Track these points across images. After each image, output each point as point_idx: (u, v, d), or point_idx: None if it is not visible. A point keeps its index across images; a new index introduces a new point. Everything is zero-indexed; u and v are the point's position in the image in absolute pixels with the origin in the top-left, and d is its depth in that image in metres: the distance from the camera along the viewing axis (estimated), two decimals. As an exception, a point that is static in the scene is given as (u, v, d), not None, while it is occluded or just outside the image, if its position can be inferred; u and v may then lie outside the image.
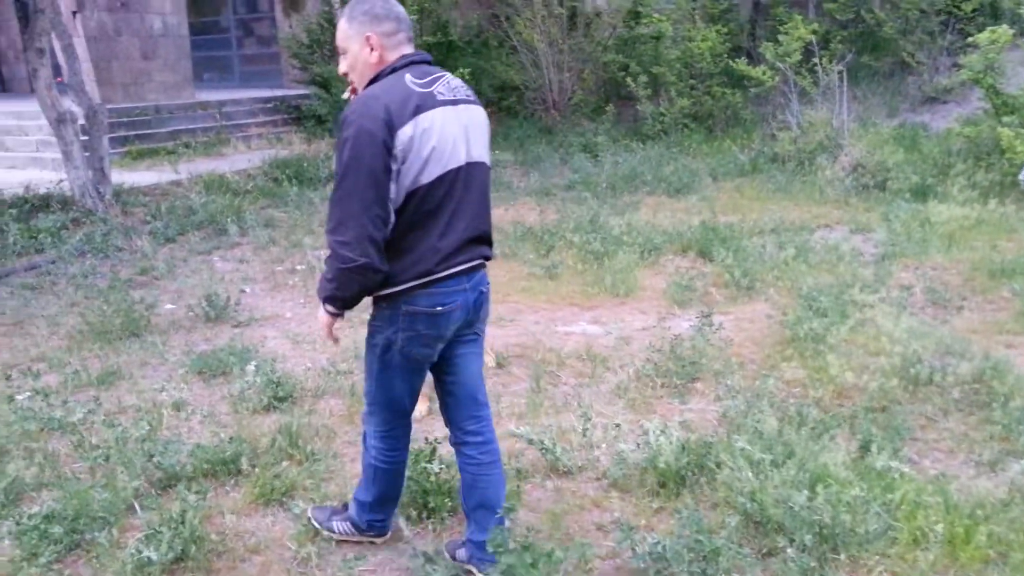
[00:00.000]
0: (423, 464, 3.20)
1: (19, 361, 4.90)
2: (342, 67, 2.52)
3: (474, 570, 2.80)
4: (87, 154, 8.09)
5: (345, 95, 2.63)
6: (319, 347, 5.09)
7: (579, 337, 5.11)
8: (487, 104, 14.35)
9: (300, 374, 4.58)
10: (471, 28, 14.68)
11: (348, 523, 3.02)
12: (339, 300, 2.47)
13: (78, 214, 7.87)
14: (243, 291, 6.28)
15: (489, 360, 4.69)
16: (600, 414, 4.01)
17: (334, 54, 13.56)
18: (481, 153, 2.53)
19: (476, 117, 2.53)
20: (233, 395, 4.27)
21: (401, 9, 2.49)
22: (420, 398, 4.08)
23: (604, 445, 3.69)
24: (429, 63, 2.51)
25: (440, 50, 14.22)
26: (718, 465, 3.28)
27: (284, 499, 3.27)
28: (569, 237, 7.01)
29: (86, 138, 8.29)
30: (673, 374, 4.36)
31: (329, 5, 14.03)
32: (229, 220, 7.96)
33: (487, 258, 2.65)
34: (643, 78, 12.75)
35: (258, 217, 8.24)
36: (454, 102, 2.43)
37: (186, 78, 14.40)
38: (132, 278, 6.59)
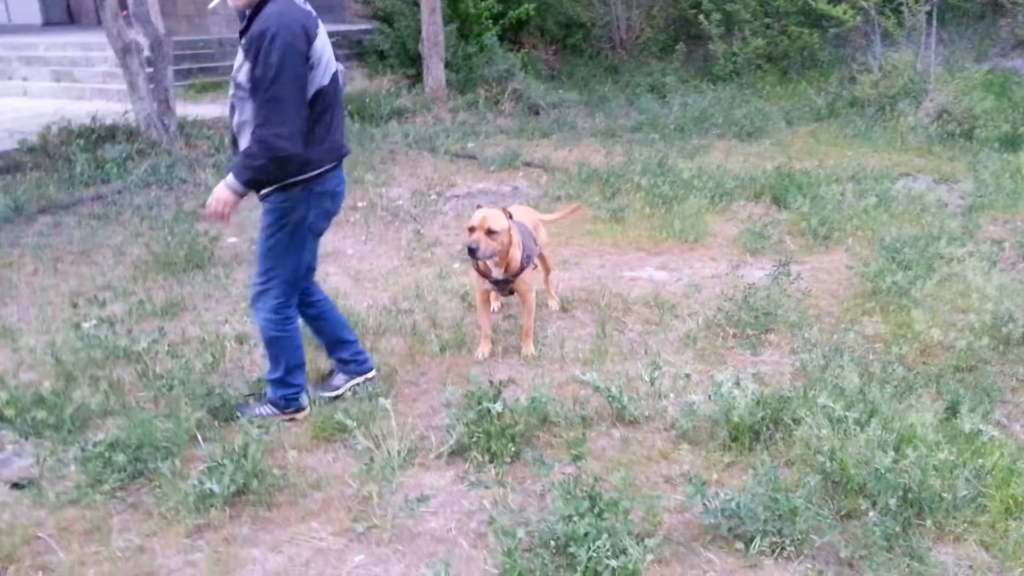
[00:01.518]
0: (486, 404, 3.11)
1: (86, 289, 4.94)
2: None
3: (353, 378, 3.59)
4: (152, 86, 8.07)
5: (212, 6, 3.24)
6: (380, 285, 5.03)
7: (646, 283, 4.95)
8: (552, 41, 14.08)
9: (362, 311, 4.52)
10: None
11: (268, 406, 3.40)
12: (256, 183, 3.02)
13: (143, 145, 7.89)
14: (305, 226, 6.22)
15: (552, 304, 4.58)
16: (668, 363, 3.86)
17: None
18: (334, 67, 3.13)
19: (325, 36, 3.10)
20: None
21: None
22: (484, 340, 4.02)
23: (672, 395, 3.56)
24: None
25: (505, -16, 13.82)
26: (795, 421, 3.12)
27: (345, 436, 3.22)
28: (636, 180, 6.78)
29: (151, 69, 8.27)
30: (745, 324, 4.18)
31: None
32: (291, 155, 7.89)
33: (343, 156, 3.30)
34: (716, 16, 12.22)
35: (320, 152, 8.15)
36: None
37: (249, 11, 14.28)
38: (195, 210, 6.58)
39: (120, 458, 2.91)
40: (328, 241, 5.83)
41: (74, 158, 7.53)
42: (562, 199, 6.66)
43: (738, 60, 12.03)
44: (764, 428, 3.14)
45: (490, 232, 3.61)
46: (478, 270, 3.89)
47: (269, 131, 2.86)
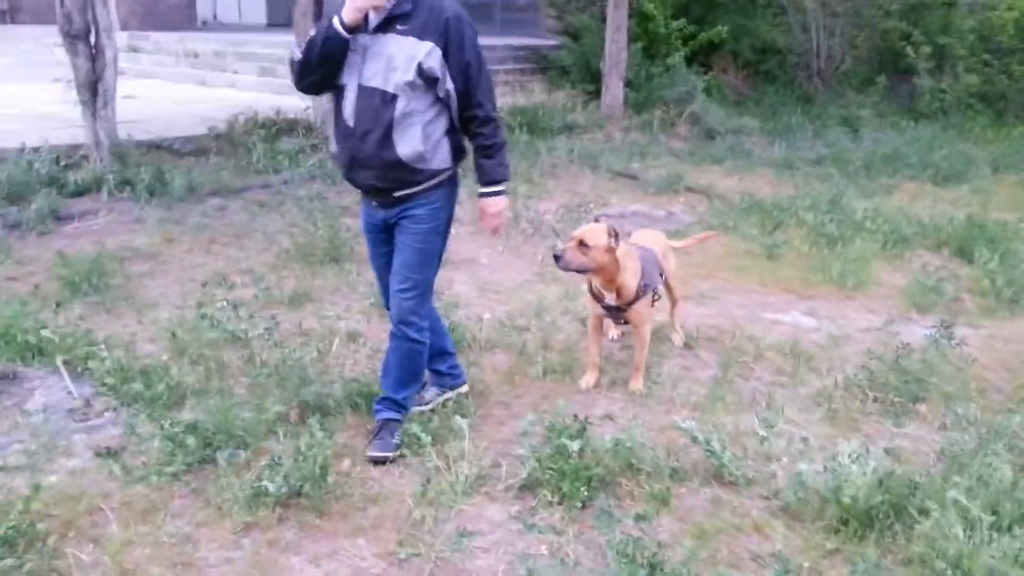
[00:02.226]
0: (563, 440, 2.86)
1: (228, 271, 5.13)
2: None
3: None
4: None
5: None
6: (504, 298, 4.88)
7: (787, 328, 4.48)
8: (744, 66, 13.49)
9: (475, 323, 4.39)
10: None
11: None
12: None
13: (317, 140, 8.25)
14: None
15: (676, 338, 4.24)
16: (790, 421, 3.44)
17: (591, 4, 13.28)
18: None
19: None
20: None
21: None
22: (590, 368, 3.77)
23: (785, 459, 3.14)
24: None
25: (701, 6, 13.40)
26: (922, 512, 2.63)
27: (419, 451, 3.07)
28: (801, 215, 6.25)
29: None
30: (891, 389, 3.66)
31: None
32: (452, 161, 7.96)
33: None
34: (926, 49, 11.21)
35: (481, 161, 8.16)
36: None
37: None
38: (350, 206, 6.75)
39: (191, 441, 2.92)
40: (464, 248, 5.80)
41: (253, 147, 7.97)
42: (716, 229, 6.24)
43: (947, 98, 10.97)
44: (882, 515, 2.67)
45: (583, 244, 3.37)
46: (592, 294, 3.64)
47: (498, 115, 2.97)
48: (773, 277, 5.25)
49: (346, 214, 6.47)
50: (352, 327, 4.29)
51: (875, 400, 3.63)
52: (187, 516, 2.71)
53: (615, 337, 4.30)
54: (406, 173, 2.87)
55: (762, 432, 3.23)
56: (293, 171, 7.50)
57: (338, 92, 2.86)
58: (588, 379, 3.76)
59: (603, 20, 11.39)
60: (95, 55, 6.70)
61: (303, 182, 7.26)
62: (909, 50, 11.46)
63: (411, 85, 2.76)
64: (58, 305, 4.17)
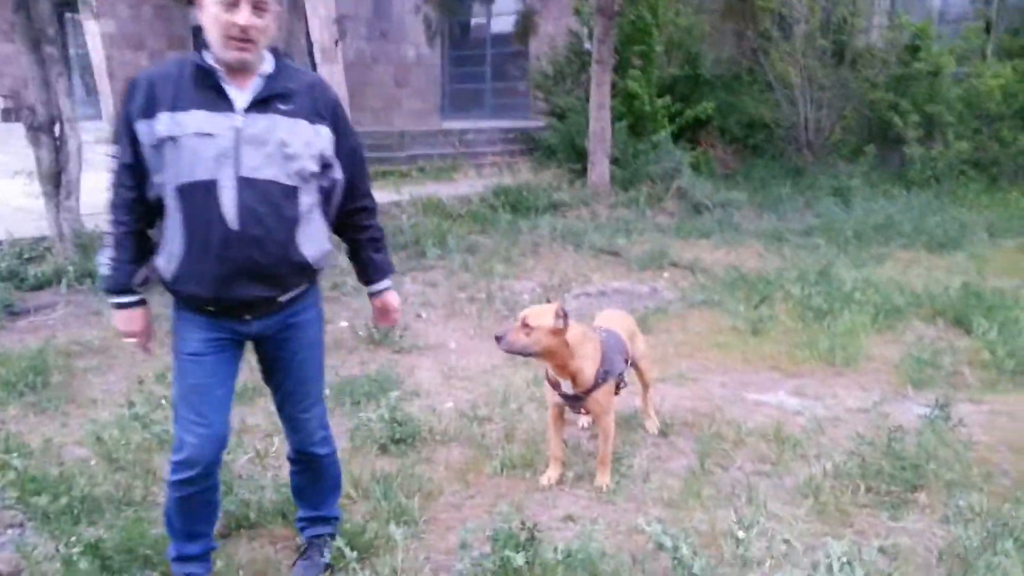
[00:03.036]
0: (507, 552, 2.50)
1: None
2: (252, 19, 2.17)
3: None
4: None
5: (241, 55, 2.20)
6: (469, 385, 4.57)
7: (771, 410, 4.14)
8: (732, 140, 13.45)
9: (435, 414, 4.06)
10: (721, 62, 13.75)
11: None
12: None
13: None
14: (419, 315, 5.95)
15: (650, 425, 3.89)
16: (773, 517, 3.08)
17: (576, 86, 13.37)
18: None
19: None
20: (351, 429, 3.83)
21: None
22: (552, 463, 3.42)
23: (767, 564, 2.77)
24: None
25: (687, 84, 13.50)
26: (920, 629, 2.26)
27: (343, 566, 2.70)
28: (788, 288, 5.96)
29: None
30: (885, 477, 3.30)
31: (578, 38, 13.82)
32: (431, 243, 7.77)
33: None
34: (915, 118, 11.13)
35: (461, 242, 7.98)
36: None
37: (434, 106, 14.84)
38: (323, 294, 6.51)
39: (84, 565, 2.57)
40: (433, 332, 5.52)
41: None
42: (699, 305, 5.97)
43: (938, 165, 10.83)
44: (874, 633, 2.30)
45: (525, 325, 3.06)
46: (549, 381, 3.33)
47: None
48: (757, 354, 4.93)
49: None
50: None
51: (868, 490, 3.26)
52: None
53: (585, 426, 3.96)
54: (304, 277, 2.41)
55: (740, 533, 2.86)
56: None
57: (190, 193, 2.19)
58: (550, 474, 3.41)
59: (588, 100, 11.40)
60: (59, 147, 6.56)
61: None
62: (897, 119, 11.38)
63: (312, 175, 2.32)
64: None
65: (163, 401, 4.06)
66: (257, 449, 3.66)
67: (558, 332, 3.12)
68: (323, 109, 2.33)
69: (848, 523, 3.08)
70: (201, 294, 2.29)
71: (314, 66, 11.61)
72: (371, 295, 2.71)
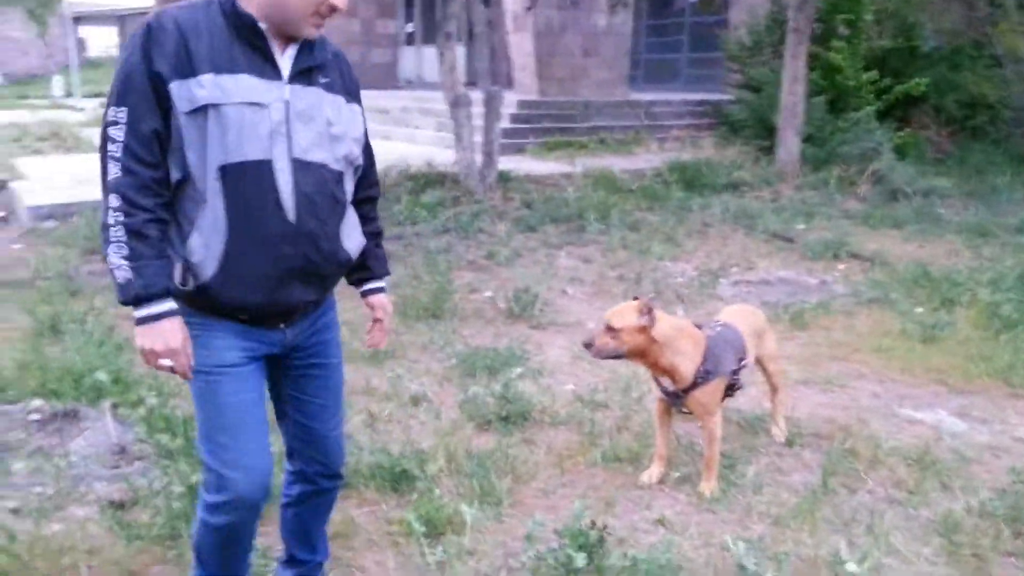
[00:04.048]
0: (569, 551, 2.38)
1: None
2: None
3: None
4: (478, 139, 8.39)
5: (318, 32, 1.93)
6: (595, 369, 4.41)
7: (924, 430, 3.69)
8: (949, 121, 12.13)
9: (551, 395, 3.98)
10: (943, 33, 12.38)
11: None
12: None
13: (459, 193, 8.21)
14: (564, 291, 5.86)
15: (776, 432, 3.59)
16: (894, 553, 2.74)
17: (774, 57, 12.58)
18: None
19: None
20: (460, 402, 3.83)
21: None
22: (656, 461, 3.25)
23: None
24: None
25: (900, 57, 12.28)
26: None
27: (409, 541, 2.70)
28: (976, 291, 5.28)
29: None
30: (1043, 524, 2.84)
31: (779, 5, 12.95)
32: (593, 217, 7.63)
33: None
34: None
35: (625, 218, 7.77)
36: None
37: (621, 76, 14.52)
38: (476, 260, 6.59)
39: (181, 504, 2.74)
40: (575, 310, 5.42)
41: (399, 200, 8.06)
42: (864, 303, 5.44)
43: None
44: None
45: (610, 328, 2.87)
46: (653, 376, 3.14)
47: None
48: (923, 364, 4.41)
49: (467, 267, 6.33)
50: (419, 390, 4.02)
51: (1016, 536, 2.82)
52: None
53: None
54: (341, 274, 2.15)
55: (850, 567, 2.56)
56: (431, 223, 7.47)
57: (237, 175, 1.84)
58: (651, 473, 3.23)
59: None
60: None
61: (435, 234, 7.20)
62: None
63: (353, 160, 2.05)
64: (119, 348, 4.21)
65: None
66: (371, 411, 3.74)
67: (644, 330, 2.92)
68: (352, 85, 2.06)
69: (983, 571, 2.68)
70: (247, 300, 1.91)
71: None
72: (366, 294, 2.33)
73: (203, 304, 1.91)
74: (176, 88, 1.77)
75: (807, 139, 10.53)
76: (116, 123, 1.77)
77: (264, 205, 1.86)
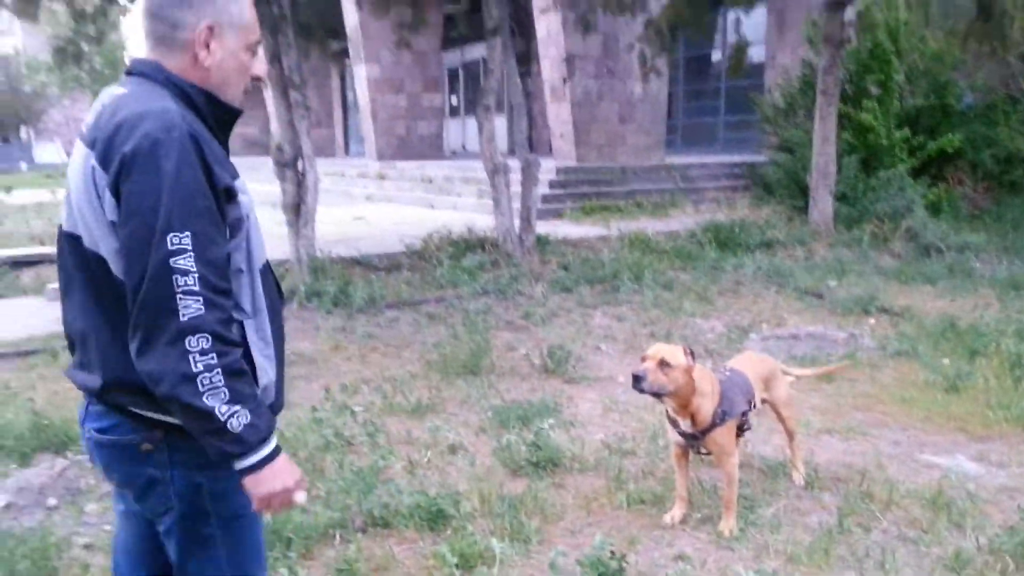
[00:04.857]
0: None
1: (374, 378, 5.38)
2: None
3: None
4: (517, 205, 8.77)
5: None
6: (625, 419, 4.65)
7: (941, 473, 3.81)
8: (984, 177, 12.19)
9: (580, 443, 4.20)
10: (976, 90, 12.54)
11: None
12: None
13: (497, 257, 8.56)
14: (598, 348, 6.10)
15: (796, 476, 3.76)
16: (904, 586, 2.88)
17: (808, 119, 12.88)
18: (72, 222, 1.64)
19: (75, 166, 1.63)
20: (499, 449, 4.08)
21: None
22: (677, 502, 3.44)
23: (874, 632, 2.62)
24: (133, 73, 1.69)
25: (933, 115, 12.46)
26: None
27: (454, 571, 2.93)
28: (1001, 341, 5.39)
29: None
30: (1050, 560, 2.96)
31: (811, 68, 13.30)
32: (627, 278, 7.90)
33: (86, 389, 1.69)
34: None
35: (658, 278, 8.02)
36: (79, 137, 1.66)
37: (658, 141, 14.94)
38: (513, 320, 6.88)
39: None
40: (607, 365, 5.65)
41: (440, 263, 8.44)
42: (893, 355, 5.58)
43: None
44: None
45: (663, 364, 3.10)
46: (669, 419, 3.36)
47: None
48: (945, 412, 4.53)
49: (505, 327, 6.61)
50: (456, 440, 4.28)
51: (1022, 569, 2.95)
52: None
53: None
54: None
55: (860, 596, 2.73)
56: (471, 286, 7.81)
57: (266, 278, 1.78)
58: (674, 514, 3.42)
59: (817, 134, 10.96)
60: (300, 181, 7.53)
61: (475, 296, 7.53)
62: None
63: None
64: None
65: (347, 409, 4.55)
66: (411, 459, 4.01)
67: (689, 371, 3.16)
68: None
69: (990, 604, 2.81)
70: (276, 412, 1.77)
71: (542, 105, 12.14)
72: None
73: None
74: (240, 195, 1.65)
75: (840, 198, 10.72)
76: (182, 251, 1.49)
77: (278, 306, 1.81)
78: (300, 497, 1.67)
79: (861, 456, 4.04)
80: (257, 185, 20.66)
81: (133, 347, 1.52)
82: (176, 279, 1.48)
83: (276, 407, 1.76)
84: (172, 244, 1.48)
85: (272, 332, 1.73)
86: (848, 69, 11.52)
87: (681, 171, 13.95)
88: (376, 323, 6.84)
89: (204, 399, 1.50)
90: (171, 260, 1.48)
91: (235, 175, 1.64)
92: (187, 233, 1.49)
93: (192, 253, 1.49)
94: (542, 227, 9.79)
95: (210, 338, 1.50)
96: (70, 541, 3.23)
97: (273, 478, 1.60)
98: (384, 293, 7.53)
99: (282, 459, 1.63)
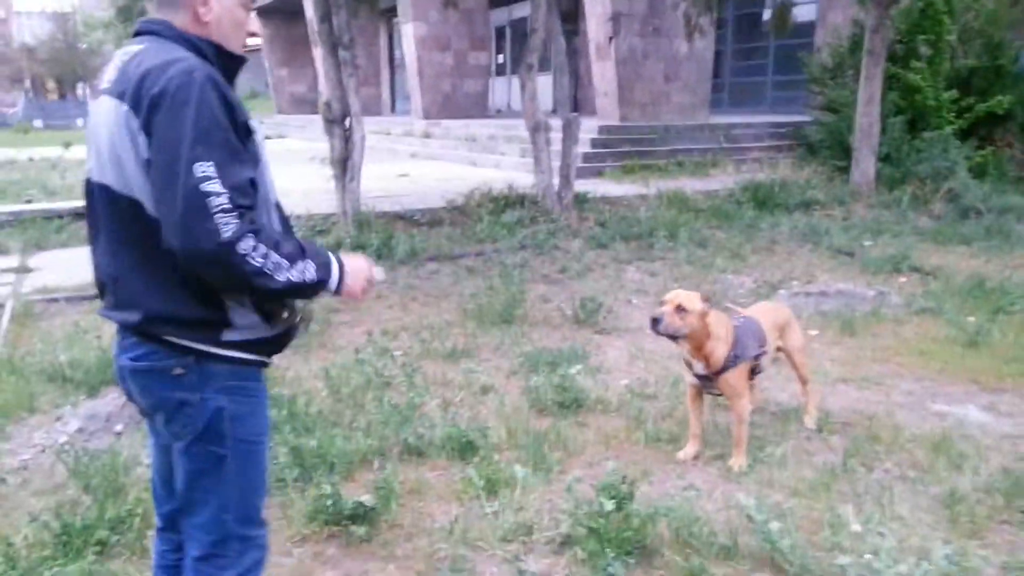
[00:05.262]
0: (601, 499, 2.86)
1: (413, 325, 5.68)
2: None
3: None
4: (557, 163, 8.95)
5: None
6: (651, 366, 4.87)
7: (949, 422, 3.99)
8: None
9: (605, 388, 4.45)
10: (1031, 49, 12.23)
11: None
12: None
13: (536, 213, 8.77)
14: (629, 301, 6.31)
15: (808, 420, 3.97)
16: (898, 519, 3.10)
17: (857, 77, 12.74)
18: (101, 172, 1.82)
19: (104, 117, 1.80)
20: (527, 390, 4.35)
21: None
22: (691, 440, 3.67)
23: (868, 556, 2.82)
24: (144, 33, 1.88)
25: (984, 76, 12.21)
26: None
27: (480, 492, 3.22)
28: (1027, 300, 5.48)
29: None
30: (1041, 499, 3.14)
31: (861, 27, 13.09)
32: (662, 235, 8.06)
33: (125, 325, 1.86)
34: None
35: (693, 235, 8.16)
36: (103, 92, 1.83)
37: (702, 100, 14.88)
38: (549, 274, 7.11)
39: (283, 460, 3.35)
40: (637, 317, 5.86)
41: (480, 219, 8.69)
42: (922, 312, 5.70)
43: None
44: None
45: (680, 309, 3.32)
46: (685, 361, 3.59)
47: None
48: (961, 366, 4.67)
49: (540, 280, 6.85)
50: (488, 382, 4.56)
51: (1012, 507, 3.13)
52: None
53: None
54: None
55: (855, 526, 2.96)
56: (509, 240, 8.05)
57: (280, 213, 2.00)
58: (687, 451, 3.66)
59: (863, 93, 10.87)
60: (347, 137, 7.80)
61: (512, 251, 7.76)
62: None
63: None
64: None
65: (387, 352, 4.86)
66: (445, 397, 4.30)
67: (704, 315, 3.38)
68: None
69: (978, 535, 3.01)
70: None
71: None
72: None
73: (272, 350, 1.95)
74: (255, 127, 1.85)
75: (884, 159, 10.66)
76: (208, 178, 1.65)
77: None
78: (379, 274, 1.97)
79: (872, 404, 4.22)
80: (305, 142, 21.11)
81: (192, 272, 1.70)
82: (210, 201, 1.63)
83: (290, 335, 1.97)
84: (199, 172, 1.64)
85: None
86: (899, 29, 11.34)
87: (725, 131, 13.91)
88: (417, 275, 7.13)
89: (278, 279, 1.70)
90: (201, 185, 1.64)
91: (249, 116, 1.82)
92: (211, 162, 1.65)
93: (218, 179, 1.65)
94: (583, 185, 9.95)
95: (252, 236, 1.67)
96: (137, 459, 3.59)
97: (355, 279, 1.87)
98: (425, 246, 7.81)
99: (350, 262, 1.88)
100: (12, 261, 7.65)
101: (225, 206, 1.64)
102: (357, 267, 1.90)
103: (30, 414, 4.18)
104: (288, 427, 3.78)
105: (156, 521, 2.15)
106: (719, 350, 3.41)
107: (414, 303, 6.34)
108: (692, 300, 3.39)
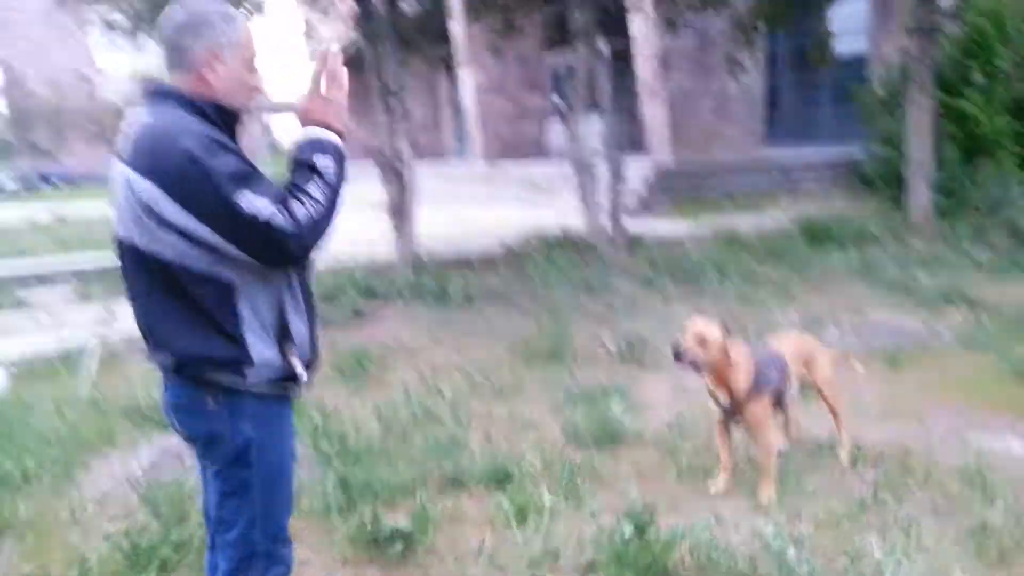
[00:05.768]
0: (622, 525, 3.01)
1: (464, 365, 5.90)
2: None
3: None
4: (605, 203, 9.16)
5: None
6: (693, 400, 4.98)
7: (992, 456, 3.98)
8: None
9: (645, 422, 4.58)
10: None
11: None
12: None
13: (588, 254, 8.97)
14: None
15: (842, 454, 4.02)
16: (924, 550, 3.14)
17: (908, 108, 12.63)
18: (128, 231, 1.99)
19: (120, 183, 1.98)
20: (566, 424, 4.52)
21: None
22: (721, 472, 3.79)
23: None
24: (158, 93, 2.05)
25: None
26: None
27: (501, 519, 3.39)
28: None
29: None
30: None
31: (909, 58, 13.02)
32: (711, 273, 8.15)
33: (163, 367, 2.09)
34: None
35: (743, 272, 8.23)
36: (118, 159, 2.01)
37: (755, 136, 14.95)
38: (597, 312, 7.28)
39: (330, 488, 3.59)
40: (679, 354, 5.95)
41: (533, 260, 8.93)
42: (972, 346, 5.68)
43: None
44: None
45: (700, 339, 3.45)
46: (709, 393, 3.72)
47: None
48: (1005, 398, 4.66)
49: (589, 319, 7.02)
50: (530, 416, 4.74)
51: (1041, 538, 3.16)
52: (307, 542, 3.34)
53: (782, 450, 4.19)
54: None
55: (877, 555, 3.03)
56: (558, 281, 8.25)
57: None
58: (718, 484, 3.77)
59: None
60: (401, 182, 8.17)
61: (563, 291, 7.96)
62: None
63: None
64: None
65: (436, 390, 5.09)
66: (488, 433, 4.49)
67: (724, 346, 3.52)
68: None
69: (1003, 564, 3.04)
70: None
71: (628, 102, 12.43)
72: None
73: (292, 384, 2.12)
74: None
75: (939, 190, 10.54)
76: (250, 203, 1.87)
77: (305, 271, 2.18)
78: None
79: (912, 438, 4.24)
80: (367, 186, 21.79)
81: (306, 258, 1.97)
82: (258, 215, 1.86)
83: (311, 363, 2.15)
84: (241, 201, 1.86)
85: (301, 293, 2.13)
86: (950, 56, 11.26)
87: (778, 165, 13.93)
88: (470, 316, 7.38)
89: (330, 185, 1.97)
90: (246, 210, 1.85)
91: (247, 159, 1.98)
92: (243, 191, 1.87)
93: (255, 197, 1.87)
94: (636, 224, 10.12)
95: (273, 203, 1.89)
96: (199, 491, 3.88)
97: (336, 118, 2.06)
98: (479, 289, 8.07)
99: (317, 118, 2.05)
100: (98, 308, 8.20)
101: (272, 210, 1.87)
102: (333, 105, 2.07)
103: (111, 448, 4.53)
104: (337, 458, 4.03)
105: (207, 540, 2.40)
106: (740, 381, 3.53)
107: (465, 342, 6.58)
108: (712, 331, 3.51)
